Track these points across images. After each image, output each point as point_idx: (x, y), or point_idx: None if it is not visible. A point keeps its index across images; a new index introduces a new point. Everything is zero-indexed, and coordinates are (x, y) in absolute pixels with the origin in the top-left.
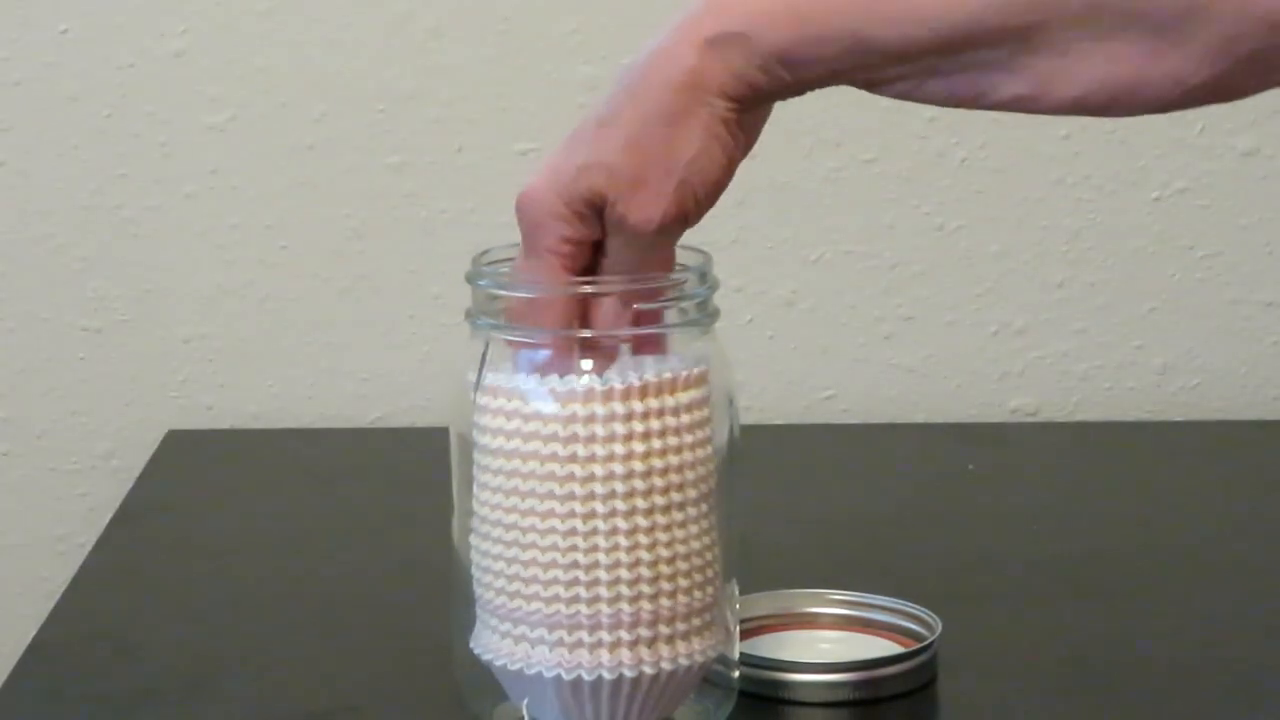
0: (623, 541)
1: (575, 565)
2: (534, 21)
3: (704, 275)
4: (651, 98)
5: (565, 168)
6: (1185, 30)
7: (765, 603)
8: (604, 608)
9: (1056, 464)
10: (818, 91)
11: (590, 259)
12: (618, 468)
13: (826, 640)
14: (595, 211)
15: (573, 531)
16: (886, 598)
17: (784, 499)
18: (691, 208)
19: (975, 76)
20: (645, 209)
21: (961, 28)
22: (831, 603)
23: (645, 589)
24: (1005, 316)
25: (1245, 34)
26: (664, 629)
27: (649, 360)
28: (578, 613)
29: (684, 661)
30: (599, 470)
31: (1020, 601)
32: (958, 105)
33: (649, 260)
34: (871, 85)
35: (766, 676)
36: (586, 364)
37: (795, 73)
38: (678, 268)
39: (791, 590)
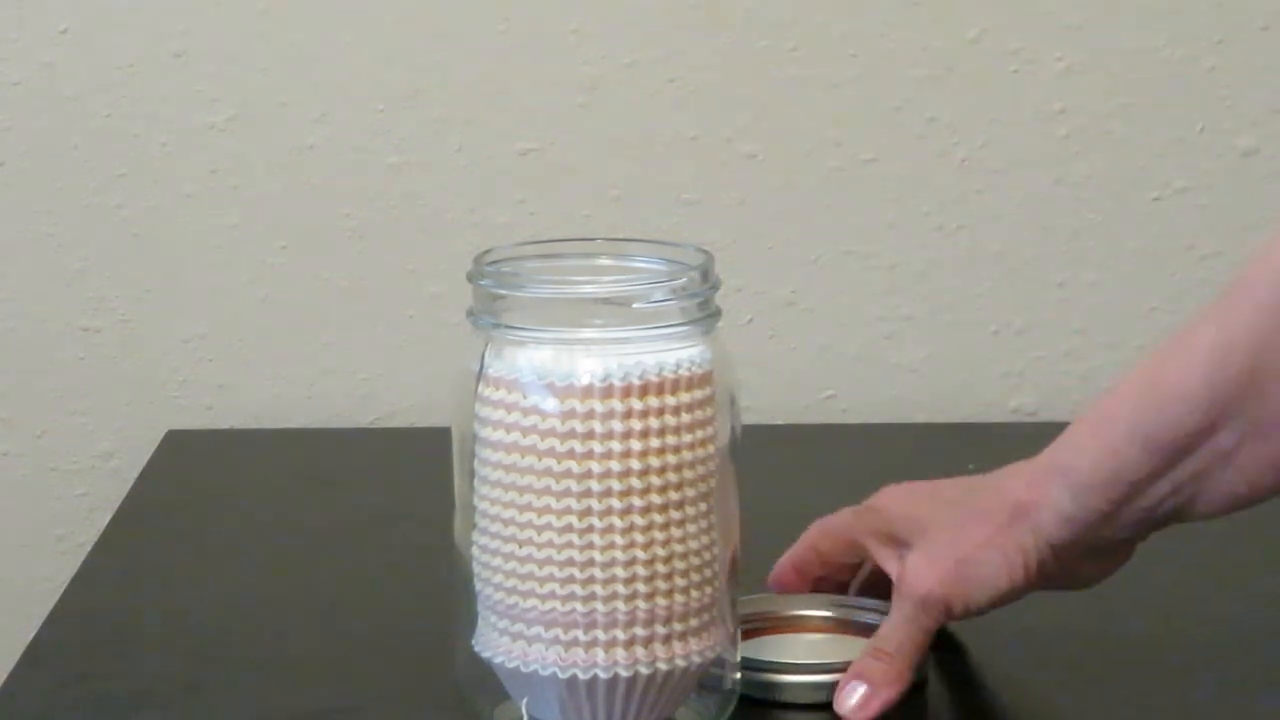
0: (619, 540)
1: (571, 562)
2: (534, 21)
3: (705, 275)
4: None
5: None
6: None
7: (758, 604)
8: (599, 605)
9: None
10: (818, 91)
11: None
12: (615, 465)
13: (819, 642)
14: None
15: (569, 528)
16: (879, 600)
17: (784, 499)
18: (957, 600)
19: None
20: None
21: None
22: (824, 604)
23: (641, 587)
24: (1005, 316)
25: None
26: (660, 629)
27: (650, 359)
28: (574, 610)
29: (680, 662)
30: (596, 467)
31: (1019, 601)
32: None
33: (908, 632)
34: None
35: (759, 678)
36: (587, 363)
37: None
38: (678, 267)
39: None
